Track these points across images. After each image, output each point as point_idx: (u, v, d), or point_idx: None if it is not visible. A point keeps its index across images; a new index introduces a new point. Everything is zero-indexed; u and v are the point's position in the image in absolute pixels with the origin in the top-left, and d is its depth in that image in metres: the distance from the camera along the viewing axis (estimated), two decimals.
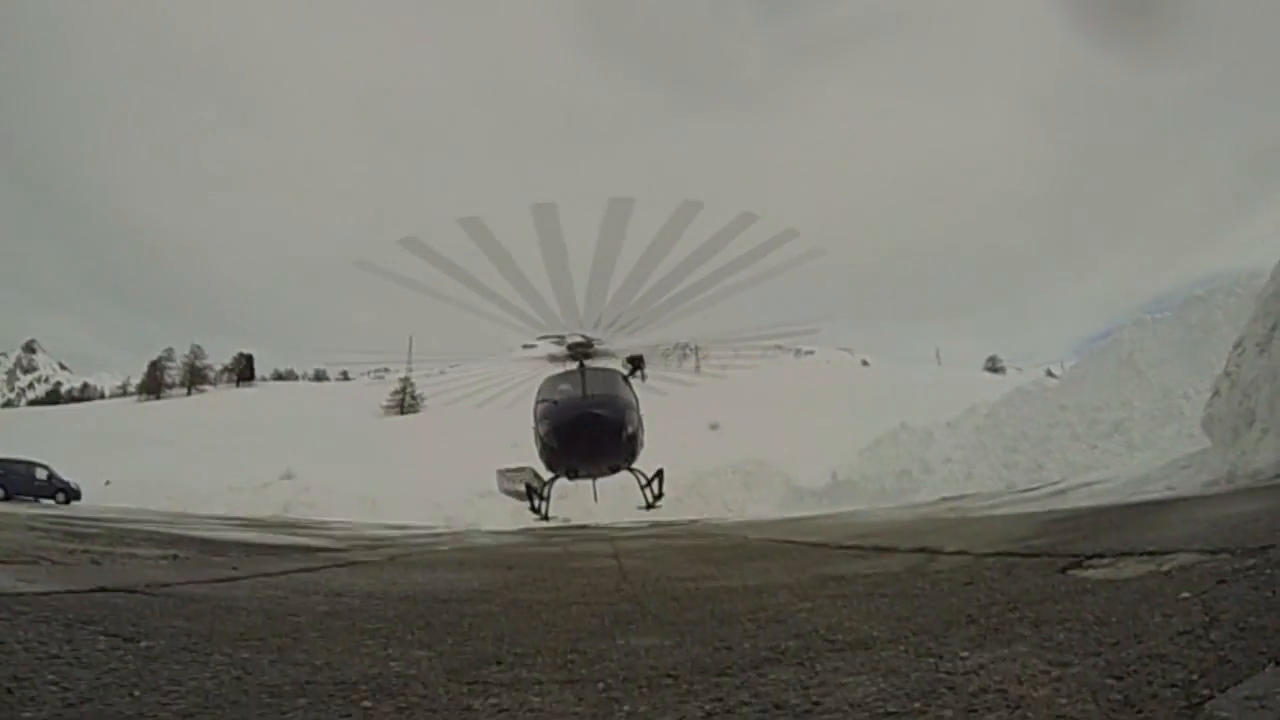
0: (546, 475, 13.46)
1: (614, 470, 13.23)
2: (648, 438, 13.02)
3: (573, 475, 13.45)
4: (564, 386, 12.37)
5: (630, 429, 12.25)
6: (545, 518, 13.04)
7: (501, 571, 4.48)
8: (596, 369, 12.75)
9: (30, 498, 21.25)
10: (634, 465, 13.32)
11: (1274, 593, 1.75)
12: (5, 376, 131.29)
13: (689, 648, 1.92)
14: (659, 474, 14.09)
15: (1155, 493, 5.70)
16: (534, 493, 13.54)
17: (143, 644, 1.86)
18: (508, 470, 14.97)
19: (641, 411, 12.76)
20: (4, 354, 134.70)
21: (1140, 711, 1.15)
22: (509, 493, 14.81)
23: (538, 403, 12.93)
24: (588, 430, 11.66)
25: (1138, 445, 11.72)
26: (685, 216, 9.67)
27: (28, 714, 1.28)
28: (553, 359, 13.67)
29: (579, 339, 12.88)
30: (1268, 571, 1.97)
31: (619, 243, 9.94)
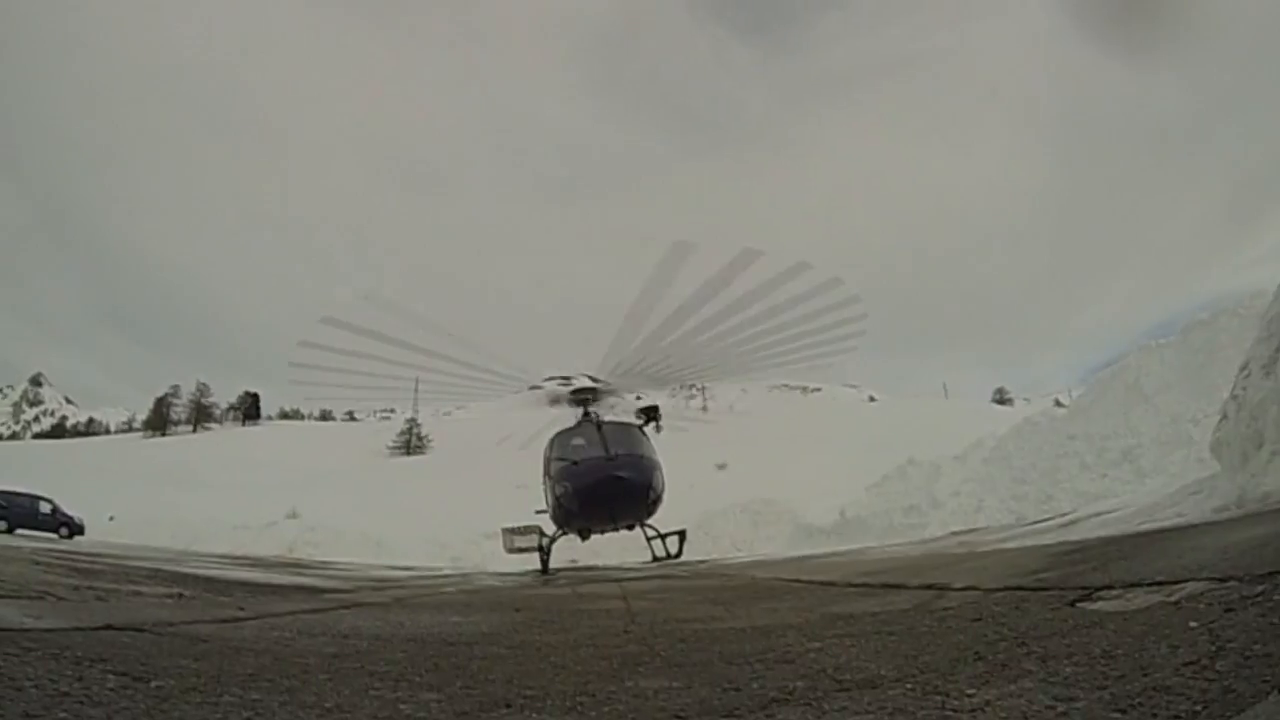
0: (551, 530, 12.98)
1: (629, 529, 12.77)
2: None
3: (585, 535, 12.96)
4: (580, 443, 11.67)
5: (657, 491, 11.69)
6: (547, 571, 12.49)
7: (509, 613, 4.44)
8: (614, 423, 12.17)
9: (33, 531, 21.16)
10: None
11: None
12: (11, 409, 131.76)
13: (697, 689, 1.92)
14: (681, 535, 13.54)
15: (1165, 520, 5.63)
16: (542, 549, 13.08)
17: (153, 684, 1.87)
18: (515, 529, 14.32)
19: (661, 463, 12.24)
20: (10, 387, 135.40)
21: None
22: (516, 551, 14.21)
23: (551, 460, 12.31)
24: (612, 493, 11.00)
25: (1147, 472, 11.59)
26: (741, 264, 9.60)
27: None
28: (555, 402, 13.38)
29: (586, 382, 12.52)
30: (1276, 598, 1.97)
31: (666, 287, 9.83)
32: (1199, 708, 1.27)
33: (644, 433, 12.52)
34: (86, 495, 27.32)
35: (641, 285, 10.17)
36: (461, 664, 2.46)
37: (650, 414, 12.98)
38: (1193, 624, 1.88)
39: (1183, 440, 11.35)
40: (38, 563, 6.13)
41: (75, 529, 22.67)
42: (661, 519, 13.29)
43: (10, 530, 20.66)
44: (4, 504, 21.60)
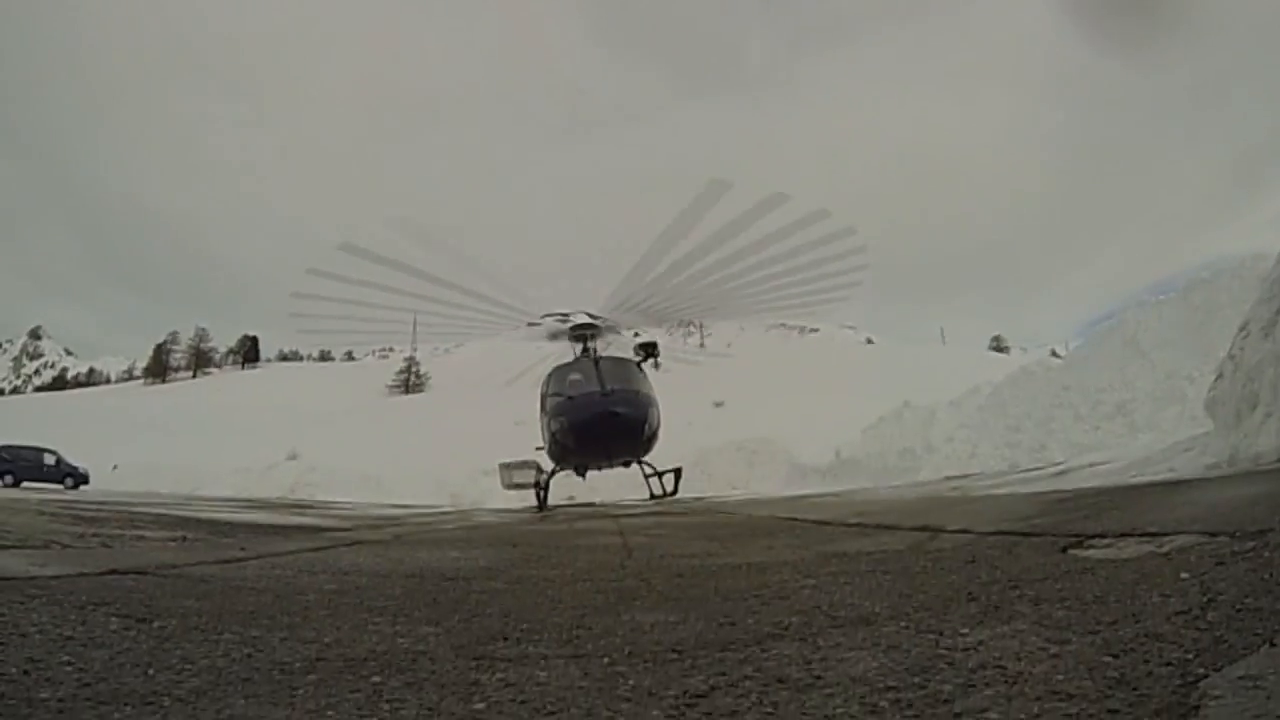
0: (549, 466, 13.07)
1: (626, 465, 12.85)
2: None
3: (582, 471, 13.02)
4: (577, 378, 11.60)
5: (652, 427, 11.70)
6: (544, 508, 12.55)
7: (507, 549, 4.52)
8: (611, 359, 12.12)
9: (39, 483, 21.45)
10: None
11: (1271, 575, 1.76)
12: (12, 363, 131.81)
13: (693, 623, 1.95)
14: (677, 472, 13.68)
15: (1157, 474, 5.69)
16: (538, 485, 13.20)
17: (155, 624, 1.89)
18: (512, 465, 14.26)
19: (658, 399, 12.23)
20: (10, 341, 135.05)
21: (1135, 689, 1.17)
22: (514, 487, 14.24)
23: (548, 395, 12.27)
24: (609, 429, 11.04)
25: (1140, 427, 11.67)
26: (765, 207, 9.58)
27: (44, 693, 1.31)
28: (554, 337, 13.37)
29: (585, 318, 12.47)
30: (1266, 554, 1.98)
31: (691, 225, 9.78)
32: (1191, 656, 1.28)
33: (641, 369, 12.49)
34: (90, 445, 27.64)
35: (642, 225, 10.10)
36: (459, 598, 2.50)
37: (649, 351, 12.92)
38: (1184, 575, 1.89)
39: (1177, 397, 11.38)
40: (43, 513, 6.19)
41: (80, 479, 22.98)
42: (658, 456, 13.46)
43: (16, 484, 20.93)
44: (9, 458, 21.85)
